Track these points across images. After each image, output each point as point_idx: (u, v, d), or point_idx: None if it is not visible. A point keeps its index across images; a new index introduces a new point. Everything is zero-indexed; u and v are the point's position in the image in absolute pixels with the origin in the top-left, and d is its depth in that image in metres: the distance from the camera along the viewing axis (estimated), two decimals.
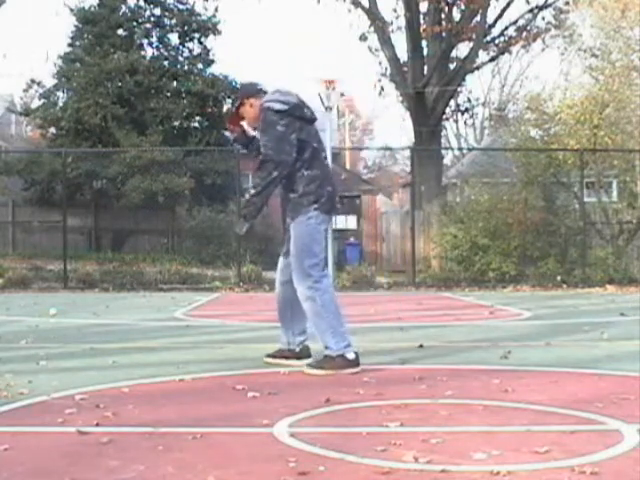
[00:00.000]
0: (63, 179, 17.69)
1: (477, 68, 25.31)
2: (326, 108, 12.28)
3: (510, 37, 24.70)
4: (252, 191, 4.87)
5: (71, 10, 25.39)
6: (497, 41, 24.82)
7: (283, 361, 5.07)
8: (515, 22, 24.49)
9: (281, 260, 5.12)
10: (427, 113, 22.97)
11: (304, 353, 5.09)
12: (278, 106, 4.84)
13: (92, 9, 25.26)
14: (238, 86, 5.53)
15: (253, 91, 5.12)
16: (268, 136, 4.83)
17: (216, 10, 25.90)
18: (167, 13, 25.87)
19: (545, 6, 24.18)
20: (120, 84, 24.12)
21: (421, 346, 6.02)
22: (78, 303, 11.60)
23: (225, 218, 20.37)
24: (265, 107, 4.87)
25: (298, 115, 4.89)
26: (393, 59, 23.47)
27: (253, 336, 7.08)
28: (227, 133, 5.69)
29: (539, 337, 6.65)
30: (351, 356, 4.80)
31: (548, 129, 17.54)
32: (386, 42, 23.42)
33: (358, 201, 25.52)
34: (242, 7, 56.02)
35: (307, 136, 4.90)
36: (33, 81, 25.82)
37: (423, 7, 23.29)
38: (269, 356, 5.19)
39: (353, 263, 18.45)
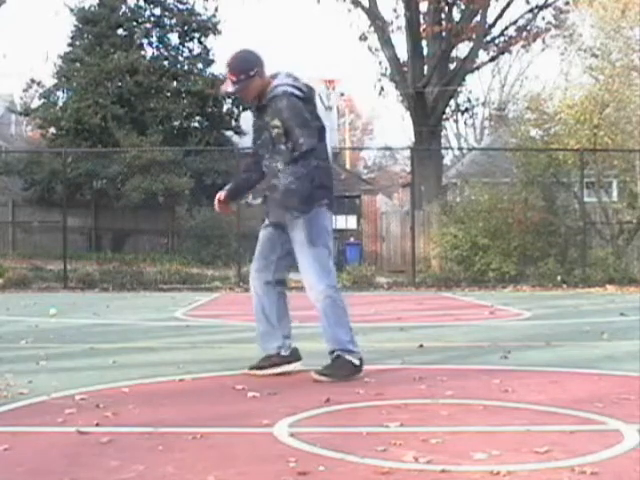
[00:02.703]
0: (63, 179, 17.68)
1: (477, 68, 25.37)
2: (326, 108, 12.32)
3: (510, 37, 24.76)
4: (290, 180, 4.46)
5: (71, 10, 25.40)
6: (497, 41, 24.89)
7: (274, 369, 4.70)
8: (515, 22, 24.56)
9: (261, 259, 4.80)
10: (427, 113, 23.00)
11: (294, 356, 4.80)
12: (298, 92, 4.58)
13: (92, 9, 25.28)
14: (239, 55, 4.75)
15: (262, 65, 4.63)
16: (301, 124, 4.49)
17: (216, 10, 25.93)
18: (167, 13, 25.89)
19: (545, 6, 24.24)
20: (120, 84, 24.13)
21: (421, 346, 6.02)
22: (78, 303, 11.60)
23: (225, 218, 20.36)
24: (287, 92, 4.54)
25: (314, 103, 4.70)
26: (393, 59, 23.50)
27: (253, 336, 7.02)
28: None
29: (539, 337, 6.65)
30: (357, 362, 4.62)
31: (548, 129, 17.54)
32: (386, 42, 23.46)
33: (358, 201, 25.52)
34: (242, 7, 56.06)
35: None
36: (33, 81, 25.85)
37: (423, 7, 23.34)
38: (255, 368, 4.75)
39: (353, 263, 18.45)
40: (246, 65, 4.58)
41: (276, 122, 4.57)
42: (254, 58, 4.63)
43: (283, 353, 4.75)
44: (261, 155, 4.73)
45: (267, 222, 4.82)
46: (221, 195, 4.84)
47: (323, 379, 4.49)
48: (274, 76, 4.67)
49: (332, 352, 4.60)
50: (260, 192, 4.81)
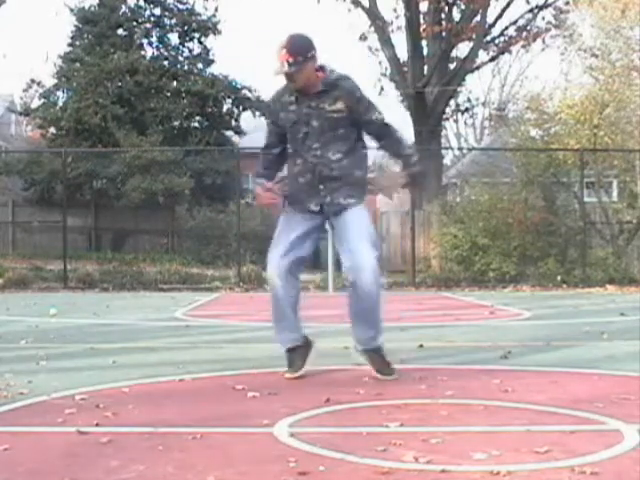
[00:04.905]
0: (63, 179, 17.69)
1: (477, 68, 25.34)
2: None
3: (510, 37, 24.74)
4: (410, 150, 4.87)
5: (71, 10, 25.42)
6: (497, 41, 24.86)
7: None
8: (515, 22, 24.53)
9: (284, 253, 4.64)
10: (427, 113, 22.99)
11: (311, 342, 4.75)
12: None
13: (92, 9, 25.29)
14: (296, 37, 4.57)
15: (316, 50, 4.57)
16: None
17: (216, 10, 25.94)
18: (167, 13, 25.89)
19: (545, 6, 24.22)
20: (120, 84, 24.13)
21: (421, 346, 6.02)
22: (78, 303, 11.60)
23: (225, 218, 20.37)
24: (354, 81, 4.64)
25: None
26: (393, 59, 23.49)
27: (253, 336, 7.08)
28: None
29: (539, 337, 6.65)
30: None
31: (548, 129, 17.54)
32: (386, 42, 23.44)
33: None
34: (242, 7, 56.08)
35: None
36: (33, 81, 25.84)
37: (423, 7, 23.31)
38: (294, 371, 4.64)
39: None
40: (304, 47, 4.52)
41: (339, 106, 4.54)
42: (311, 41, 4.58)
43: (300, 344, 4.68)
44: (299, 148, 4.59)
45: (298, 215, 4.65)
46: (260, 188, 4.70)
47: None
48: (322, 67, 4.62)
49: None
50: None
